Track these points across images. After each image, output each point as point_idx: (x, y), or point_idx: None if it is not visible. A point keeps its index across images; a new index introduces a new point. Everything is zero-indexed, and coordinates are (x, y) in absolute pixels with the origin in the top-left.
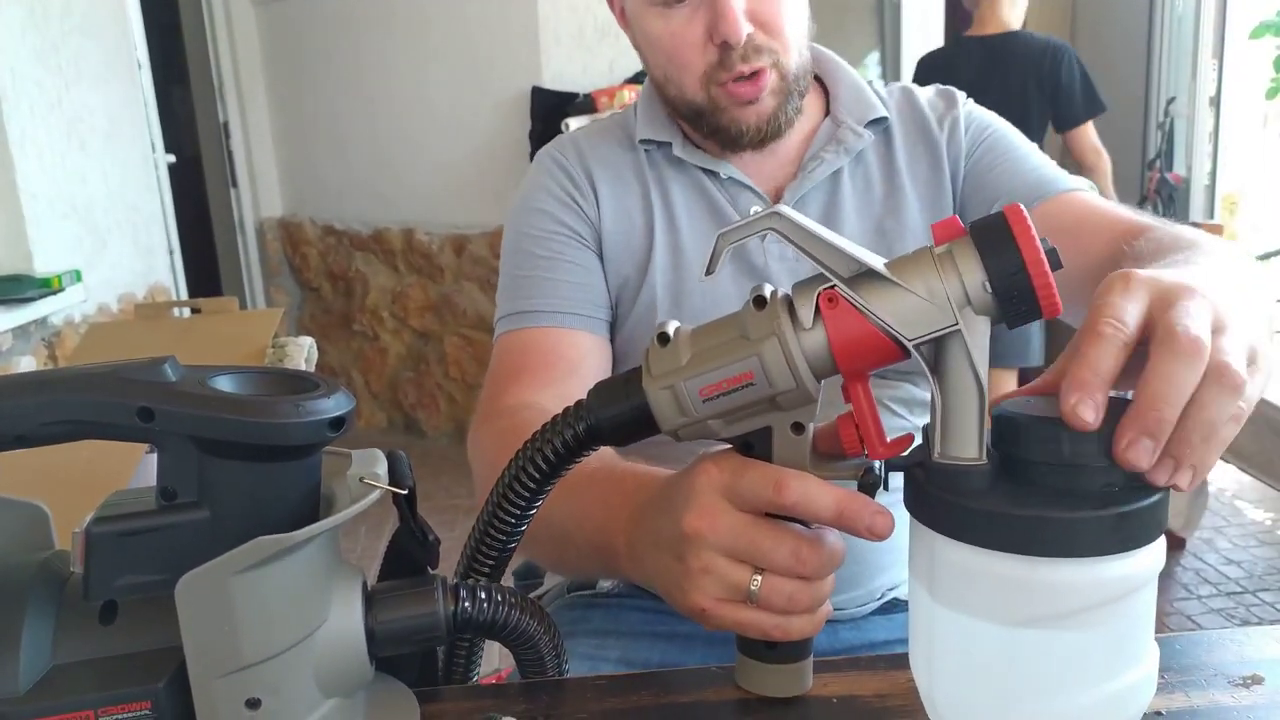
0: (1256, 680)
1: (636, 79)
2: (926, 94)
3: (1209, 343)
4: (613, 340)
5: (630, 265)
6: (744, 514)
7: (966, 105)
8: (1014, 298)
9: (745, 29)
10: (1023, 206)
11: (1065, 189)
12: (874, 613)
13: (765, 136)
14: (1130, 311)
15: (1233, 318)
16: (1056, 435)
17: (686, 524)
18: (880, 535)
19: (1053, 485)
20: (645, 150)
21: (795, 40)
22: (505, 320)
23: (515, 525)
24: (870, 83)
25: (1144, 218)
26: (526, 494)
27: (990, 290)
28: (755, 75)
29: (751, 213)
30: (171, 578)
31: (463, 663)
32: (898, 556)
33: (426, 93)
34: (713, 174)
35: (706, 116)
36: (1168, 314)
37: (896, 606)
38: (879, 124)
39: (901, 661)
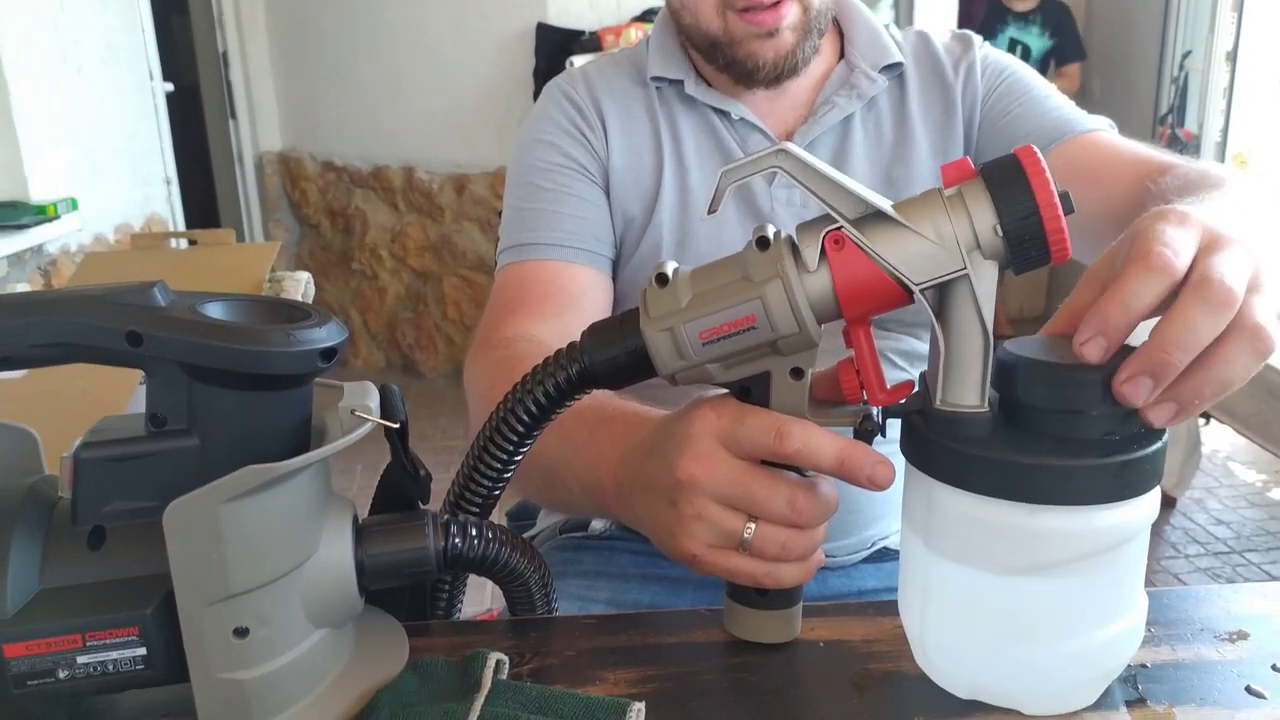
0: (1242, 636)
1: (644, 17)
2: (943, 38)
3: (1241, 297)
4: (615, 278)
5: (637, 203)
6: (740, 461)
7: (983, 49)
8: (1025, 242)
9: None
10: (1036, 148)
11: (1085, 129)
12: (863, 561)
13: (781, 73)
14: (1185, 247)
15: (1269, 277)
16: (1057, 381)
17: (681, 470)
18: (881, 485)
19: (1053, 433)
20: (656, 87)
21: None
22: (507, 252)
23: (502, 470)
24: (887, 26)
25: (1167, 155)
26: (515, 437)
27: (1001, 234)
28: (776, 4)
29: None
30: (160, 504)
31: (444, 601)
32: (890, 507)
33: (429, 27)
34: (724, 114)
35: (722, 48)
36: (1208, 258)
37: (886, 555)
38: (893, 69)
39: (889, 608)
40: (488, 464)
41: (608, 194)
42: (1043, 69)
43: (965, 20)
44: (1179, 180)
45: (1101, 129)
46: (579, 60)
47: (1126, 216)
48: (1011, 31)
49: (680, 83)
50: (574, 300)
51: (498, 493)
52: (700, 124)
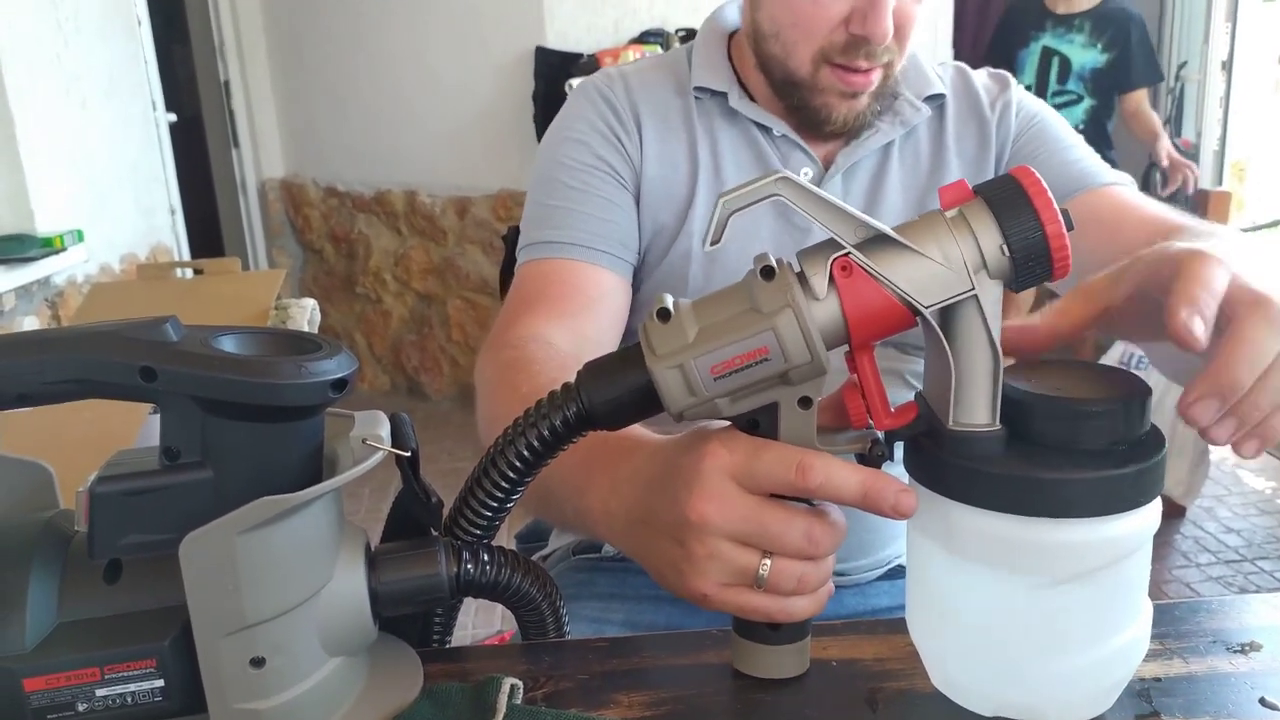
0: (1255, 647)
1: (641, 39)
2: (980, 76)
3: None
4: (637, 286)
5: (668, 213)
6: (753, 497)
7: (1018, 90)
8: (1030, 259)
9: (891, 30)
10: (1033, 169)
11: (1106, 183)
12: (878, 579)
13: (847, 130)
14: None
15: None
16: (1061, 415)
17: (692, 509)
18: (905, 513)
19: (1062, 446)
20: (697, 98)
21: (908, 49)
22: (528, 249)
23: (492, 518)
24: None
25: (1182, 218)
26: (505, 484)
27: (1008, 252)
28: (869, 69)
29: (801, 174)
30: (175, 537)
31: (439, 628)
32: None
33: (429, 52)
34: (765, 129)
35: (802, 91)
36: (1252, 282)
37: (900, 573)
38: (935, 99)
39: (900, 626)
40: (475, 510)
41: (638, 200)
42: (1096, 91)
43: (977, 21)
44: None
45: (1122, 184)
46: (577, 83)
47: None
48: (1048, 39)
49: (723, 95)
50: (591, 302)
51: (487, 541)
52: (741, 137)
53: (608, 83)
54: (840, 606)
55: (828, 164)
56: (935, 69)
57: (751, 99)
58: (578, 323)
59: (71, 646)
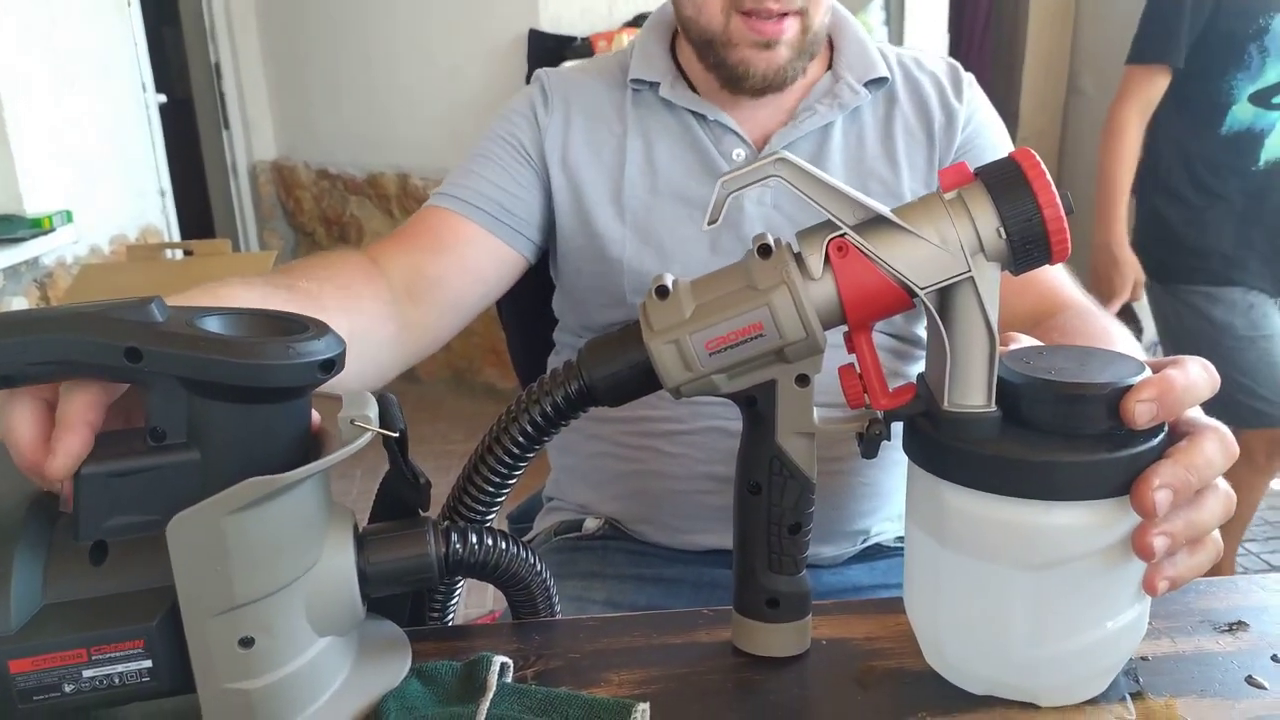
0: (1241, 626)
1: (636, 23)
2: (938, 67)
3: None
4: (567, 267)
5: (597, 193)
6: None
7: (970, 91)
8: (1028, 242)
9: None
10: (1032, 151)
11: None
12: (854, 558)
13: (769, 86)
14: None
15: None
16: (1055, 398)
17: None
18: None
19: (1059, 430)
20: (635, 90)
21: (826, 2)
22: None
23: (495, 492)
24: (879, 45)
25: (1067, 292)
26: (509, 459)
27: (1004, 235)
28: (780, 16)
29: (734, 156)
30: (162, 518)
31: (439, 606)
32: (879, 502)
33: (422, 34)
34: (700, 116)
35: (716, 47)
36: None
37: (878, 552)
38: (879, 84)
39: (889, 605)
40: (479, 486)
41: (549, 178)
42: None
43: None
44: (1076, 321)
45: None
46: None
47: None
48: None
49: (658, 85)
50: (442, 245)
51: (491, 516)
52: (675, 124)
53: (549, 72)
54: (818, 584)
55: (763, 145)
56: (885, 52)
57: (692, 88)
58: (420, 258)
59: (58, 628)
